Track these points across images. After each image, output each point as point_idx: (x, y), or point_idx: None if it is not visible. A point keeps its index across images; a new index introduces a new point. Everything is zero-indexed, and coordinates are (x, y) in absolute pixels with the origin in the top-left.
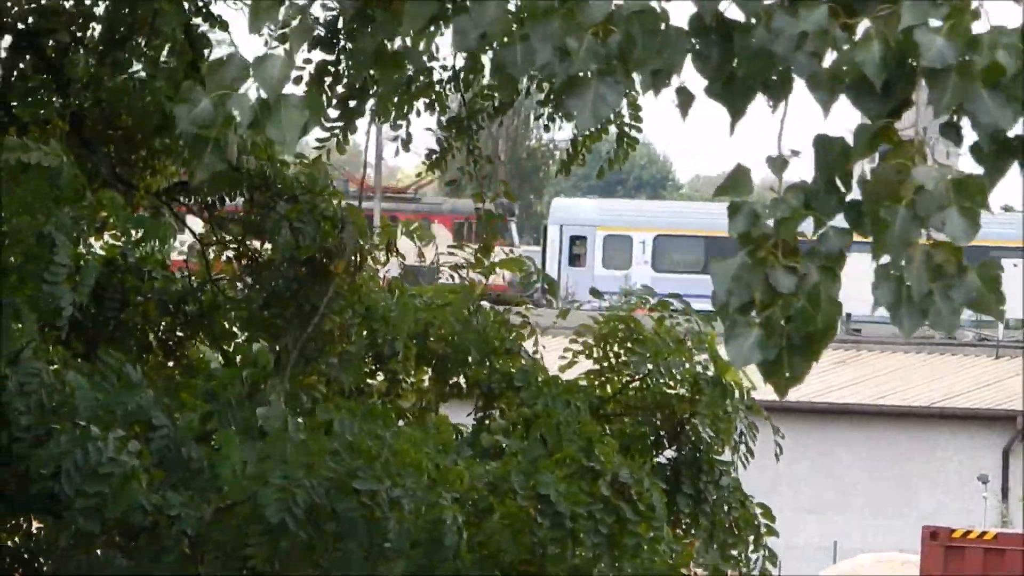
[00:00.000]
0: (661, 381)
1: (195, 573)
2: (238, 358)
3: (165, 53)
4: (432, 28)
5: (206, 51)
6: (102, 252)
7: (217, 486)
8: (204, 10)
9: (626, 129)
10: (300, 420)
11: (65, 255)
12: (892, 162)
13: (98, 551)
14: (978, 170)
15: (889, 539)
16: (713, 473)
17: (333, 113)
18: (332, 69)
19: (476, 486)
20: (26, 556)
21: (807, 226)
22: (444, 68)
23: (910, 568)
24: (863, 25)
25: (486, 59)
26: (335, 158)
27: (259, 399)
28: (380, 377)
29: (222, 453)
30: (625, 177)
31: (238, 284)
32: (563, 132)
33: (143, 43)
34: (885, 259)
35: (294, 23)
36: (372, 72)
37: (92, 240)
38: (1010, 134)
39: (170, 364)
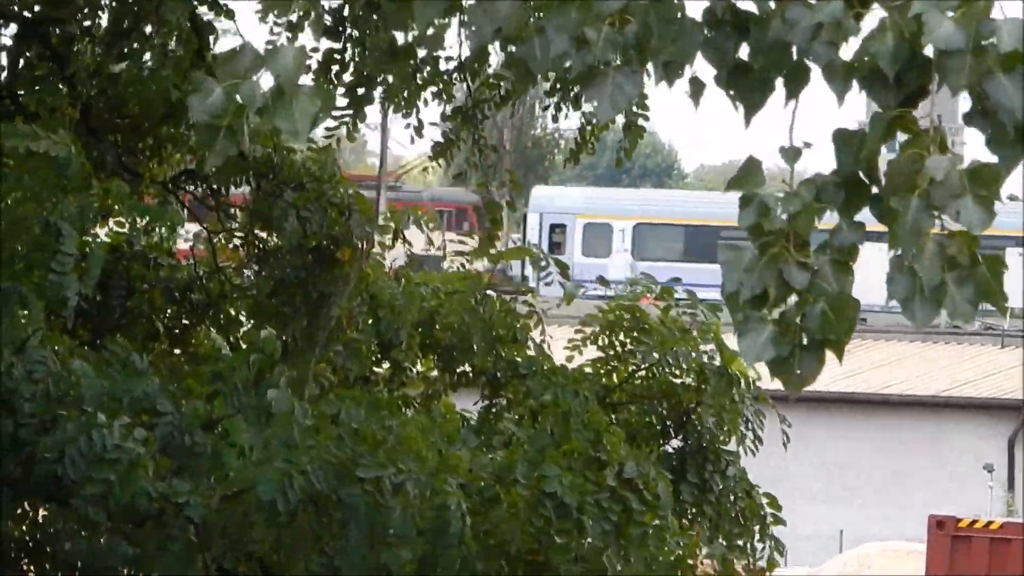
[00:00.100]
0: (667, 371)
1: (201, 561)
2: (244, 346)
3: (172, 42)
4: (445, 20)
5: (212, 40)
6: (107, 239)
7: (223, 473)
8: None
9: (634, 119)
10: (307, 407)
11: (71, 245)
12: (908, 152)
13: (103, 539)
14: (991, 159)
15: (895, 528)
16: (719, 463)
17: (341, 101)
18: (338, 57)
19: (482, 475)
20: (32, 545)
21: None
22: (450, 59)
23: (916, 557)
24: (876, 16)
25: (492, 47)
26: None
27: (266, 385)
28: (386, 365)
29: (229, 440)
30: (630, 166)
31: (244, 272)
32: (568, 121)
33: (149, 32)
34: (899, 251)
35: (305, 12)
36: (383, 65)
37: (97, 227)
38: None
39: (176, 352)
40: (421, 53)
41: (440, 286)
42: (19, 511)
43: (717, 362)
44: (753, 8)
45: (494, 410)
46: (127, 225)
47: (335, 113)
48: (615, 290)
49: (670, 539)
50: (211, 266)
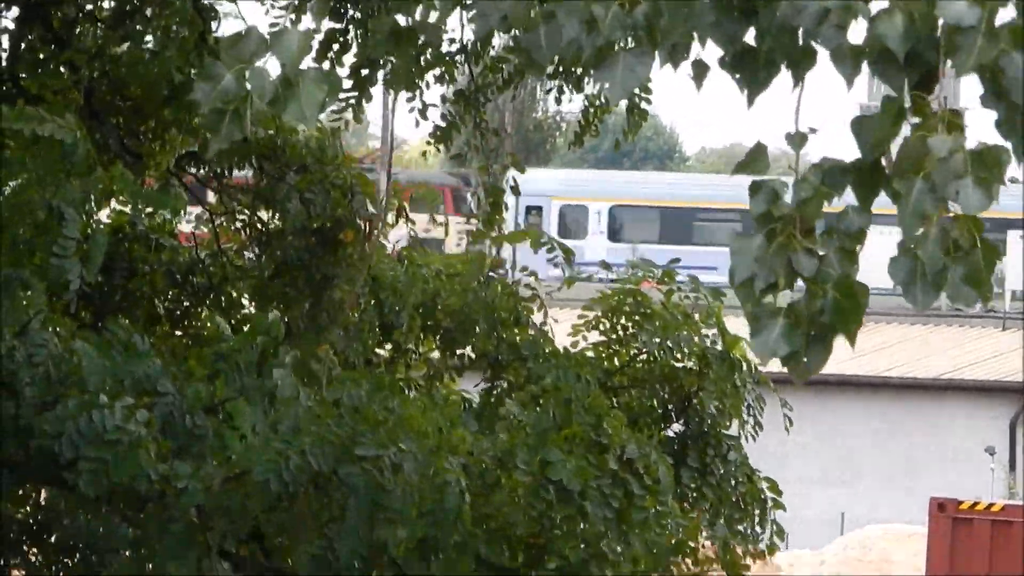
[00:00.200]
0: (669, 355)
1: (202, 543)
2: (246, 327)
3: (175, 24)
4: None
5: (214, 23)
6: (109, 220)
7: (226, 456)
8: None
9: (636, 101)
10: (310, 391)
11: (74, 229)
12: (916, 135)
13: (104, 520)
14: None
15: (896, 511)
16: (720, 447)
17: (345, 83)
18: (340, 39)
19: (484, 459)
20: (34, 527)
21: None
22: (453, 41)
23: (917, 539)
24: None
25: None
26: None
27: (269, 367)
28: (388, 347)
29: (231, 423)
30: (631, 149)
31: (246, 254)
32: (570, 105)
33: (151, 14)
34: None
35: None
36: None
37: (100, 209)
38: None
39: (178, 334)
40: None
41: (442, 268)
42: (20, 493)
43: (719, 347)
44: None
45: (495, 392)
46: (129, 206)
47: (340, 95)
48: (616, 273)
49: (671, 523)
50: (213, 248)
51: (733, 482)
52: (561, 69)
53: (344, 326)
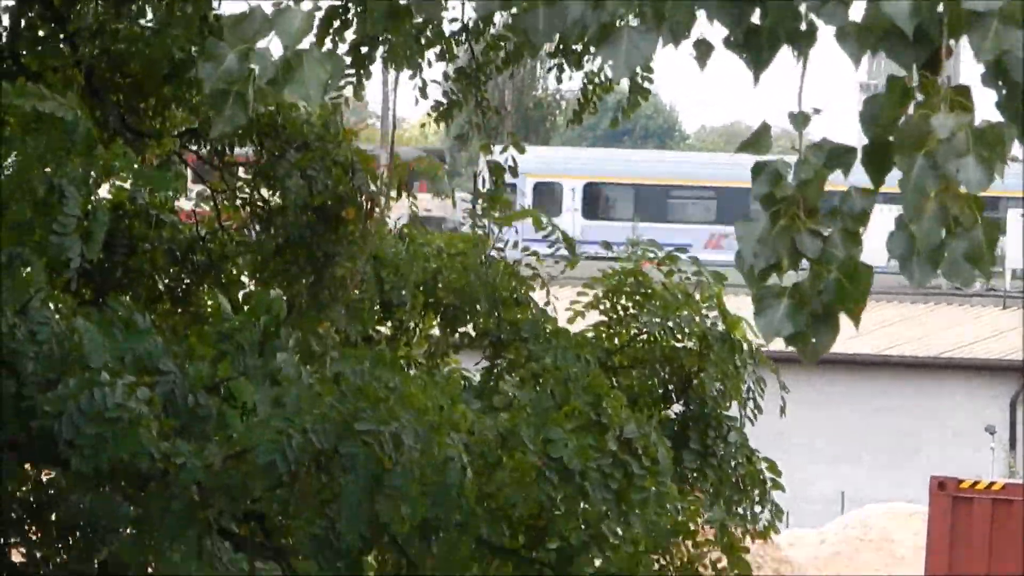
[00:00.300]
0: (669, 335)
1: (203, 520)
2: (247, 306)
3: (178, 2)
4: None
5: (216, 0)
6: (110, 196)
7: (227, 434)
8: None
9: (638, 79)
10: (311, 368)
11: (75, 206)
12: (919, 112)
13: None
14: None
15: (897, 490)
16: (721, 429)
17: (345, 60)
18: (341, 16)
19: (486, 438)
20: (35, 506)
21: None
22: (453, 20)
23: (918, 518)
24: None
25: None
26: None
27: (272, 348)
28: (389, 325)
29: (232, 402)
30: (631, 127)
31: (247, 232)
32: (570, 83)
33: None
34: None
35: None
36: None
37: (100, 186)
38: None
39: (179, 312)
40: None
41: (443, 246)
42: (21, 472)
43: (720, 328)
44: None
45: (496, 371)
46: (130, 183)
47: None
48: (617, 251)
49: (671, 504)
50: (214, 226)
51: (733, 463)
52: (562, 47)
53: (345, 303)
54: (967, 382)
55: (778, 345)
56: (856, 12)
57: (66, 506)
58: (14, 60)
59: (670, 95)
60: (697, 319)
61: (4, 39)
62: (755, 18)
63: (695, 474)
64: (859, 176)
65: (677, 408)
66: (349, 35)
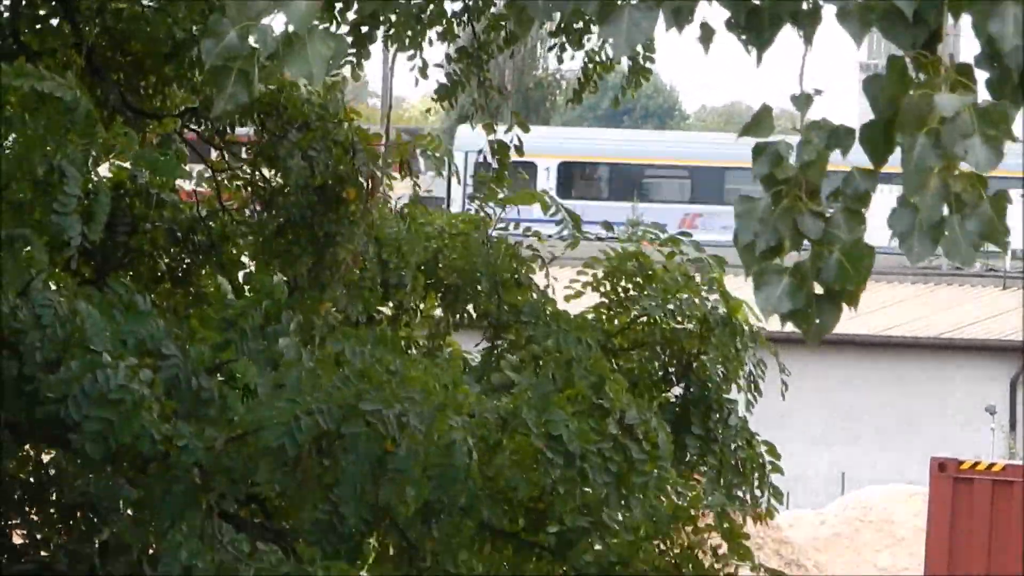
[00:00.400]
0: (669, 317)
1: (204, 504)
2: (248, 288)
3: None
4: None
5: None
6: (110, 175)
7: (229, 417)
8: None
9: (640, 59)
10: (312, 349)
11: (76, 186)
12: (920, 92)
13: (106, 481)
14: None
15: (897, 470)
16: (722, 412)
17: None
18: None
19: (487, 419)
20: (35, 487)
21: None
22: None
23: (918, 499)
24: None
25: None
26: None
27: (274, 331)
28: (390, 305)
29: (236, 383)
30: (631, 107)
31: (248, 212)
32: (571, 63)
33: None
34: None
35: None
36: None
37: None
38: None
39: (179, 292)
40: None
41: (445, 227)
42: (21, 453)
43: (721, 311)
44: None
45: (496, 353)
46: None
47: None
48: (618, 233)
49: (671, 489)
50: (214, 206)
51: (732, 447)
52: (563, 26)
53: (347, 284)
54: (967, 363)
55: (777, 326)
56: None
57: (67, 488)
58: (14, 39)
59: (670, 75)
60: (697, 301)
61: (4, 18)
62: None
63: (697, 459)
64: (858, 156)
65: (676, 391)
66: (351, 16)
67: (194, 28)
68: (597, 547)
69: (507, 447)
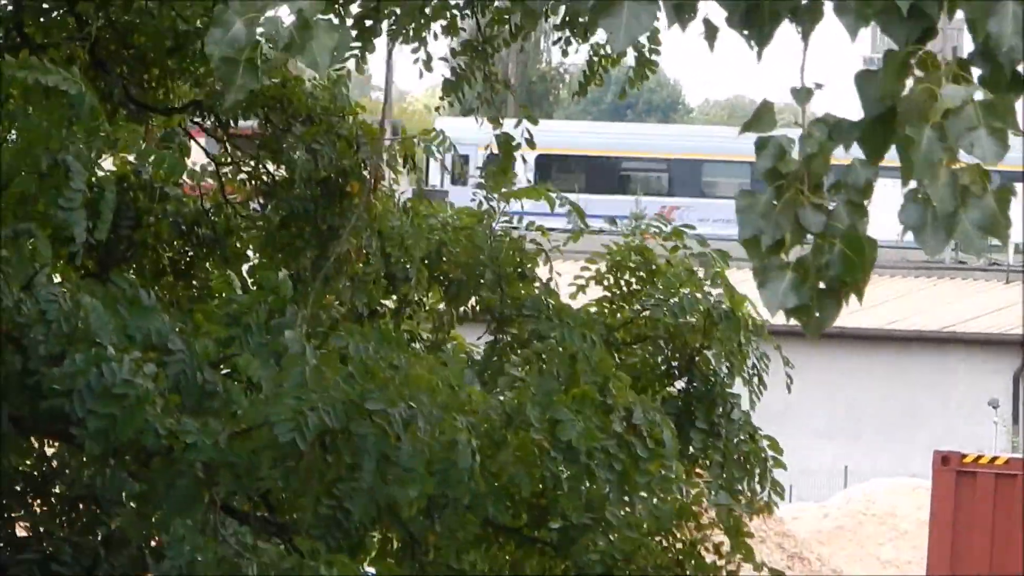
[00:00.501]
0: (673, 311)
1: (208, 498)
2: (252, 282)
3: None
4: None
5: None
6: (114, 168)
7: (232, 411)
8: None
9: (644, 52)
10: (316, 344)
11: (80, 181)
12: (921, 86)
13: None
14: None
15: (900, 464)
16: (726, 406)
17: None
18: None
19: (490, 416)
20: (39, 480)
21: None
22: None
23: (921, 493)
24: None
25: None
26: None
27: (278, 326)
28: (394, 298)
29: (237, 377)
30: (635, 101)
31: (252, 205)
32: (574, 56)
33: None
34: (913, 184)
35: None
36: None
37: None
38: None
39: (183, 285)
40: None
41: (449, 220)
42: (25, 446)
43: (725, 305)
44: None
45: (499, 347)
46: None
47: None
48: (622, 227)
49: (675, 487)
50: (218, 199)
51: (736, 441)
52: (568, 19)
53: (351, 277)
54: (970, 356)
55: (779, 319)
56: None
57: (70, 480)
58: (18, 32)
59: (674, 69)
60: (700, 296)
61: (9, 11)
62: None
63: (701, 453)
64: (858, 151)
65: (680, 385)
66: (355, 9)
67: (198, 22)
68: (600, 544)
69: (511, 443)
